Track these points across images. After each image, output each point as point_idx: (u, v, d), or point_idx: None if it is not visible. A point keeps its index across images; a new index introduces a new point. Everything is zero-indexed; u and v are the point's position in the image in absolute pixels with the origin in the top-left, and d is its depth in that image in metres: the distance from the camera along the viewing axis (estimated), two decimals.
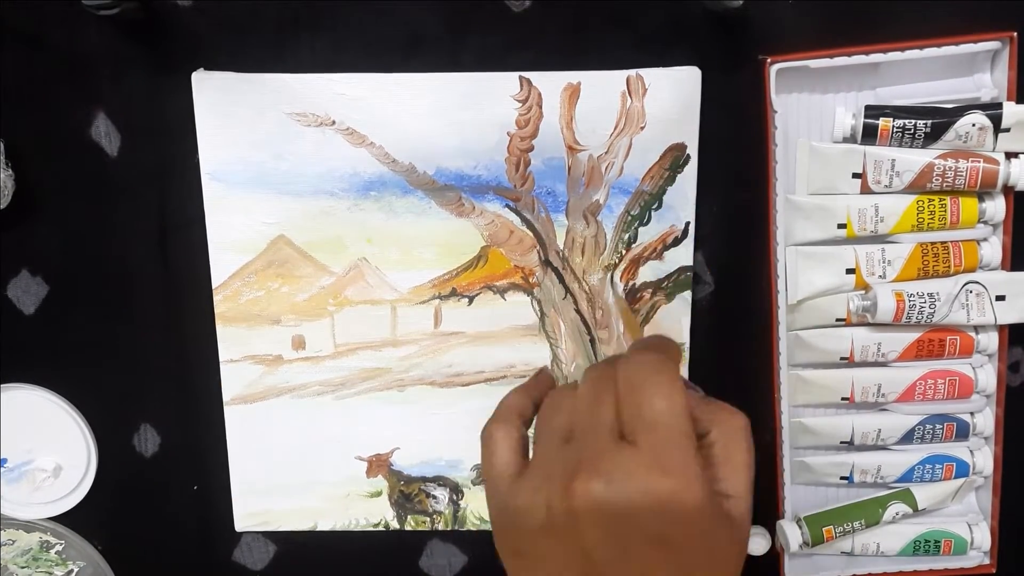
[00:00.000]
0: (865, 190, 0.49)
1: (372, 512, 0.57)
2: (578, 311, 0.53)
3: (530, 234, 0.52)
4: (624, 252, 0.52)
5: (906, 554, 0.55)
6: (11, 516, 0.58)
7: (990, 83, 0.49)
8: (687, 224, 0.52)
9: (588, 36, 0.49)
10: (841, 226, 0.50)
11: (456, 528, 0.57)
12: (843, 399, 0.53)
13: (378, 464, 0.56)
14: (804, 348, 0.52)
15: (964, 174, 0.48)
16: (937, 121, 0.48)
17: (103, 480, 0.57)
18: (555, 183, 0.51)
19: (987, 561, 0.55)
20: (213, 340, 0.54)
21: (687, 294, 0.53)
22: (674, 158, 0.51)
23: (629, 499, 0.31)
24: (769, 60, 0.48)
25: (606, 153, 0.51)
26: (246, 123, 0.50)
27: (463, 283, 0.53)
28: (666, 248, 0.52)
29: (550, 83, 0.49)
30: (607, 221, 0.52)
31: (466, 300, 0.53)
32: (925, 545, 0.54)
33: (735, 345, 0.54)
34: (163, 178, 0.52)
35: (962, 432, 0.53)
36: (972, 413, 0.53)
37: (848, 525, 0.53)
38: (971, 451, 0.54)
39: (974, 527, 0.54)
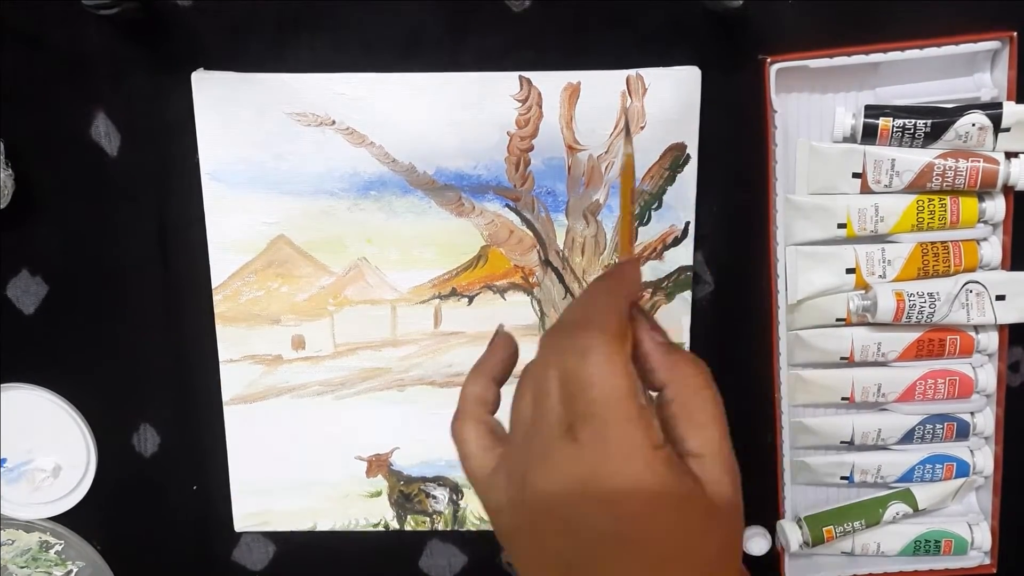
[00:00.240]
0: (865, 190, 0.49)
1: (372, 512, 0.57)
2: None
3: (530, 234, 0.52)
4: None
5: (906, 554, 0.55)
6: (11, 516, 0.57)
7: (990, 83, 0.49)
8: (687, 224, 0.52)
9: (588, 36, 0.49)
10: (841, 226, 0.50)
11: (456, 528, 0.57)
12: (843, 399, 0.53)
13: (378, 464, 0.56)
14: (804, 348, 0.52)
15: (964, 174, 0.48)
16: (937, 121, 0.48)
17: (103, 480, 0.57)
18: (555, 183, 0.51)
19: (987, 561, 0.55)
20: (213, 340, 0.54)
21: (687, 294, 0.53)
22: (674, 158, 0.51)
23: (577, 500, 0.29)
24: (769, 60, 0.48)
25: (606, 153, 0.51)
26: (246, 123, 0.50)
27: (463, 283, 0.53)
28: (666, 248, 0.52)
29: (550, 83, 0.49)
30: (607, 221, 0.52)
31: (466, 300, 0.53)
32: (925, 545, 0.54)
33: (735, 345, 0.54)
34: (163, 178, 0.52)
35: (962, 432, 0.53)
36: (972, 413, 0.53)
37: (848, 525, 0.53)
38: (971, 451, 0.54)
39: (974, 527, 0.54)
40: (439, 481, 0.56)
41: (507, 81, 0.50)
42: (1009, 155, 0.49)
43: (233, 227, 0.52)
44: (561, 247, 0.53)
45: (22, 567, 0.59)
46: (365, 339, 0.54)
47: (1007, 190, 0.50)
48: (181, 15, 0.49)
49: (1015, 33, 0.47)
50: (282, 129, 0.50)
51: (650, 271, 0.53)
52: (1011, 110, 0.47)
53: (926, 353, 0.52)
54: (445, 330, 0.54)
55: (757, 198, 0.51)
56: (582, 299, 0.35)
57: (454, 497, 0.57)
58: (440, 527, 0.57)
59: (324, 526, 0.57)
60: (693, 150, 0.51)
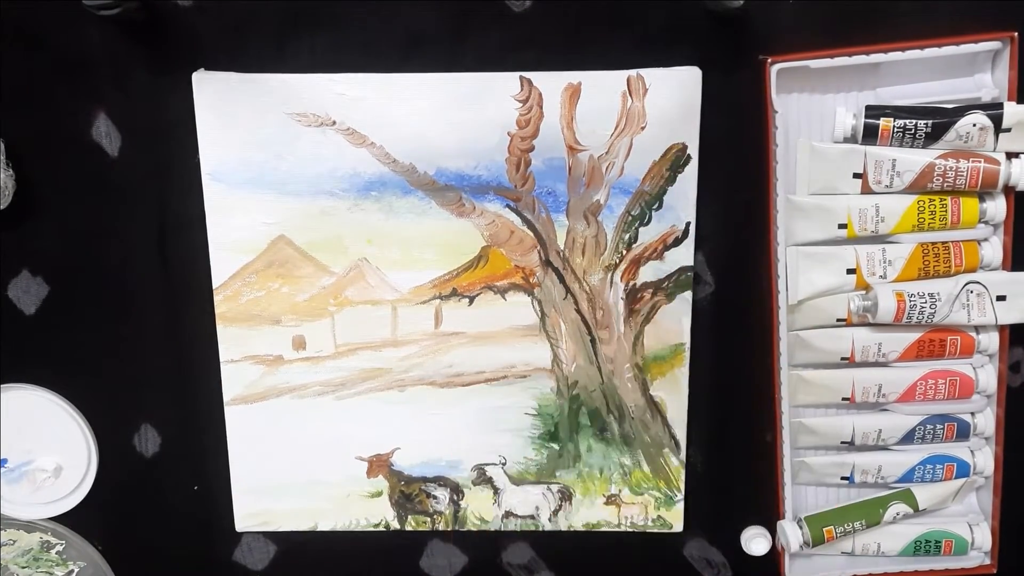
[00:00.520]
0: (866, 190, 0.49)
1: (372, 512, 0.57)
2: (579, 311, 0.53)
3: (530, 234, 0.52)
4: (625, 252, 0.52)
5: (907, 554, 0.55)
6: (11, 516, 0.58)
7: (991, 83, 0.49)
8: (687, 224, 0.52)
9: (588, 36, 0.49)
10: (842, 226, 0.50)
11: (456, 528, 0.57)
12: (844, 399, 0.53)
13: (378, 464, 0.56)
14: (804, 348, 0.52)
15: (965, 174, 0.48)
16: (938, 121, 0.48)
17: (103, 480, 0.57)
18: (556, 183, 0.51)
19: (988, 561, 0.55)
20: (213, 340, 0.54)
21: (687, 294, 0.53)
22: (674, 158, 0.51)
23: None
24: (769, 60, 0.48)
25: (606, 153, 0.51)
26: (246, 123, 0.50)
27: (464, 283, 0.53)
28: (667, 248, 0.52)
29: (551, 83, 0.49)
30: (607, 221, 0.52)
31: (466, 300, 0.53)
32: (926, 545, 0.54)
33: (735, 345, 0.54)
34: (163, 178, 0.52)
35: (963, 432, 0.53)
36: (973, 413, 0.53)
37: (849, 525, 0.53)
38: (972, 451, 0.54)
39: (975, 527, 0.54)
40: (439, 481, 0.56)
41: (508, 81, 0.49)
42: (1010, 155, 0.49)
43: (233, 227, 0.52)
44: (562, 247, 0.53)
45: (23, 567, 0.59)
46: (366, 339, 0.54)
47: (1008, 190, 0.50)
48: (181, 15, 0.49)
49: (1016, 33, 0.47)
50: (282, 129, 0.50)
51: (651, 271, 0.53)
52: (1012, 110, 0.47)
53: (927, 353, 0.52)
54: (446, 330, 0.54)
55: (758, 198, 0.51)
56: None
57: (454, 497, 0.57)
58: (440, 527, 0.57)
59: (325, 526, 0.57)
60: (694, 150, 0.51)
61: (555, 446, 0.56)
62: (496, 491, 0.56)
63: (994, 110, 0.47)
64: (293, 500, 0.57)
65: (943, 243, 0.50)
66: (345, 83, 0.50)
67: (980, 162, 0.48)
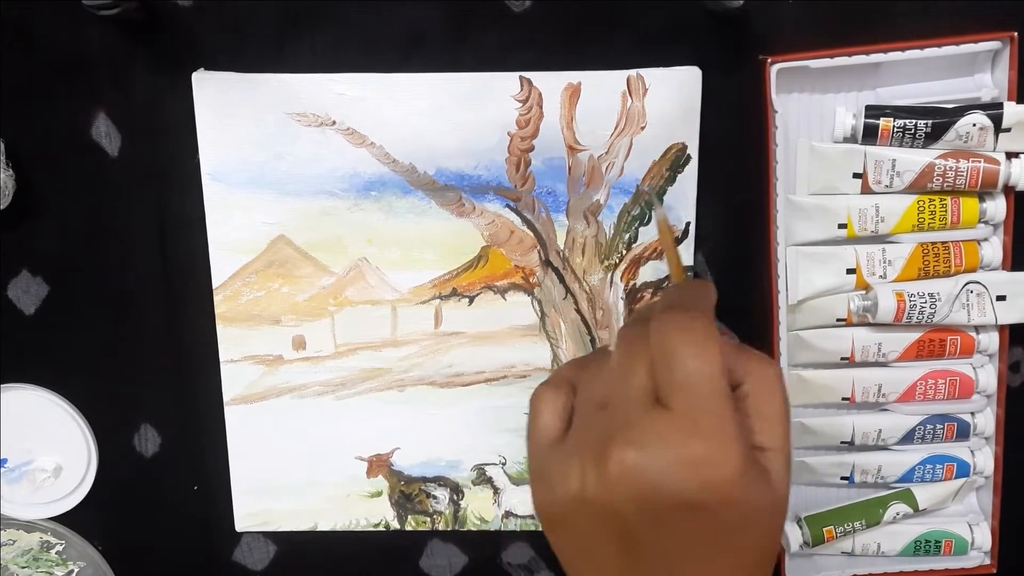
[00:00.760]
0: (866, 190, 0.49)
1: (372, 512, 0.57)
2: (579, 311, 0.53)
3: (530, 234, 0.52)
4: (625, 252, 0.52)
5: (907, 554, 0.55)
6: (11, 516, 0.58)
7: (991, 83, 0.49)
8: (687, 224, 0.52)
9: (588, 36, 0.49)
10: (842, 226, 0.50)
11: (456, 528, 0.57)
12: (844, 399, 0.53)
13: (378, 464, 0.56)
14: (804, 348, 0.52)
15: (965, 174, 0.48)
16: (938, 121, 0.48)
17: (103, 480, 0.57)
18: (555, 183, 0.51)
19: (988, 561, 0.55)
20: (213, 340, 0.54)
21: None
22: (674, 158, 0.51)
23: (663, 465, 0.30)
24: (769, 60, 0.48)
25: (606, 153, 0.51)
26: (246, 123, 0.50)
27: (463, 283, 0.53)
28: None
29: (550, 83, 0.49)
30: (607, 221, 0.52)
31: (466, 300, 0.53)
32: (926, 545, 0.54)
33: None
34: (163, 178, 0.52)
35: (963, 432, 0.53)
36: (973, 413, 0.53)
37: (849, 525, 0.53)
38: (972, 451, 0.54)
39: (975, 527, 0.54)
40: (440, 481, 0.56)
41: (507, 81, 0.50)
42: (1010, 155, 0.49)
43: (233, 227, 0.52)
44: (562, 247, 0.53)
45: (23, 567, 0.59)
46: (366, 339, 0.54)
47: (1008, 190, 0.50)
48: (181, 15, 0.49)
49: (1016, 33, 0.47)
50: (282, 129, 0.50)
51: (650, 271, 0.53)
52: (1012, 110, 0.47)
53: (927, 353, 0.52)
54: (446, 330, 0.54)
55: (757, 198, 0.51)
56: (674, 293, 0.37)
57: (454, 497, 0.57)
58: (441, 527, 0.57)
59: (325, 526, 0.57)
60: (694, 150, 0.51)
61: None
62: (496, 491, 0.56)
63: (994, 110, 0.47)
64: (293, 500, 0.57)
65: (943, 243, 0.50)
66: (345, 83, 0.50)
67: (980, 162, 0.48)
